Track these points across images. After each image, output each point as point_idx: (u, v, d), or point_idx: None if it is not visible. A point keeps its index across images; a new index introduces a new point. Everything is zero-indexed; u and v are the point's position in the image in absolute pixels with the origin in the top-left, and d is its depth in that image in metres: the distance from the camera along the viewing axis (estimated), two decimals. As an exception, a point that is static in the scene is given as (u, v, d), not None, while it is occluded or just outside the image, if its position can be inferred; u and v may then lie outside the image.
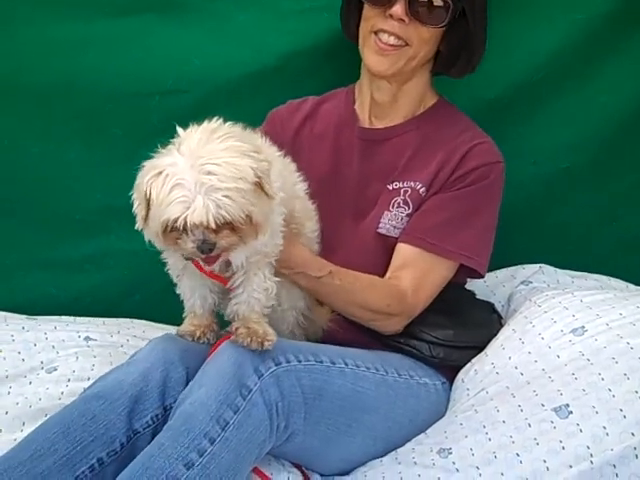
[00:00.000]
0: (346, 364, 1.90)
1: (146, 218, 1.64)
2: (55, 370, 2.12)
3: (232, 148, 1.63)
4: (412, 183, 2.09)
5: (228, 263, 1.75)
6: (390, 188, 2.11)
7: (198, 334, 1.93)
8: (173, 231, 1.62)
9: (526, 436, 1.82)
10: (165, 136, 2.40)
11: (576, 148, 2.46)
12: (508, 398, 1.92)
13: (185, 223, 1.58)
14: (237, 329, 1.78)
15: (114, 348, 2.23)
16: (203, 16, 2.38)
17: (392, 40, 2.02)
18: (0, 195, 2.49)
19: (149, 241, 1.70)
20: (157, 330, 2.39)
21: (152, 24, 2.38)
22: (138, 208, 1.65)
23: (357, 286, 1.97)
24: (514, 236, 2.33)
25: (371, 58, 2.07)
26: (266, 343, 1.75)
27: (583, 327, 1.99)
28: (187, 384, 1.78)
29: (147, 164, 1.66)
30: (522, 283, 2.39)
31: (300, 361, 1.81)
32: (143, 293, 2.55)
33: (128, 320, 2.46)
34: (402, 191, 2.09)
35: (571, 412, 1.81)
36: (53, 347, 2.21)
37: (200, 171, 1.58)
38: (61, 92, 2.40)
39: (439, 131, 2.13)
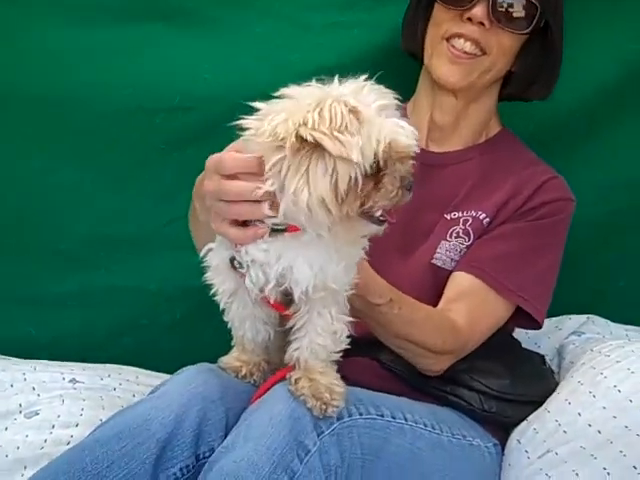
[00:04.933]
0: (405, 419, 1.64)
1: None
2: (36, 415, 1.87)
3: None
4: (474, 212, 1.90)
5: (287, 294, 1.44)
6: (448, 218, 1.91)
7: (244, 372, 1.61)
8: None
9: (620, 504, 1.56)
10: (169, 159, 2.23)
11: (624, 189, 2.29)
12: (587, 460, 1.67)
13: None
14: (297, 380, 1.48)
15: (106, 392, 1.98)
16: (216, 26, 2.19)
17: (468, 46, 1.85)
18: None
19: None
20: (151, 378, 2.12)
21: (159, 33, 2.18)
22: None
23: (415, 318, 1.69)
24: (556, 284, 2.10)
25: (442, 68, 1.88)
26: (329, 410, 1.45)
27: (666, 378, 1.75)
28: (225, 429, 1.48)
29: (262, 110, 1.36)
30: (573, 334, 2.18)
31: (362, 414, 1.54)
32: (134, 336, 2.28)
33: (116, 366, 2.18)
34: (462, 220, 1.90)
35: (670, 475, 1.57)
36: (33, 389, 1.96)
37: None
38: (54, 106, 2.17)
39: (505, 161, 1.97)
